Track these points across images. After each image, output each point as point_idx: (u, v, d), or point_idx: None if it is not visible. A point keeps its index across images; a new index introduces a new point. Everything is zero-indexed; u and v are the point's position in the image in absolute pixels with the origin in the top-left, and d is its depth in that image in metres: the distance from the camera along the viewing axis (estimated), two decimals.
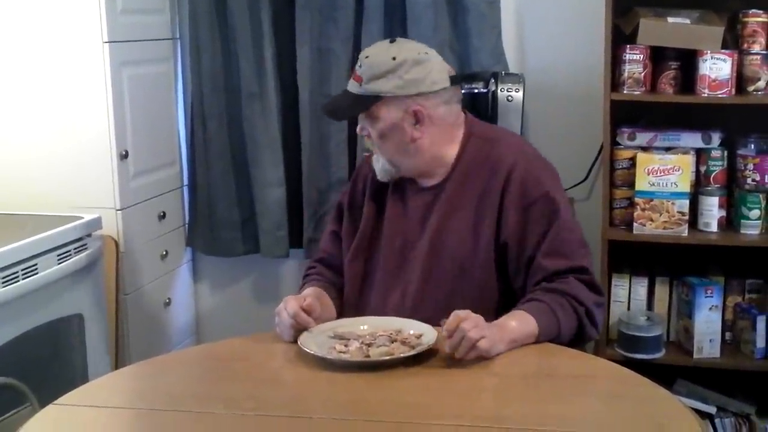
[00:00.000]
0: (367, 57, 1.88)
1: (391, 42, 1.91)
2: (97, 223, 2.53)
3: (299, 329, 1.77)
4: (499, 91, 2.68)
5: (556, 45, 2.91)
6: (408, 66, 1.85)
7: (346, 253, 2.02)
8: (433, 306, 1.87)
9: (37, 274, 2.27)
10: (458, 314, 1.66)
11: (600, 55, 2.60)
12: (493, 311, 1.84)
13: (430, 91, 1.87)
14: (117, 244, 2.66)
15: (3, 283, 2.16)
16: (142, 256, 2.77)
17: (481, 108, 2.67)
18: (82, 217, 2.49)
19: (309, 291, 1.93)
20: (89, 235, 2.51)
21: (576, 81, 2.88)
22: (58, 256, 2.36)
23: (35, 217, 2.53)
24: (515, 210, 1.88)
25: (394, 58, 1.85)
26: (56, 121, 2.67)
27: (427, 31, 2.86)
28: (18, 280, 2.21)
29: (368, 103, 1.87)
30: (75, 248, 2.43)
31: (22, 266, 2.23)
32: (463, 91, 2.64)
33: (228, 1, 2.95)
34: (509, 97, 2.68)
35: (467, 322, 1.65)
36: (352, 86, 1.89)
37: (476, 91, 2.68)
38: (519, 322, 1.76)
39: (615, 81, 2.63)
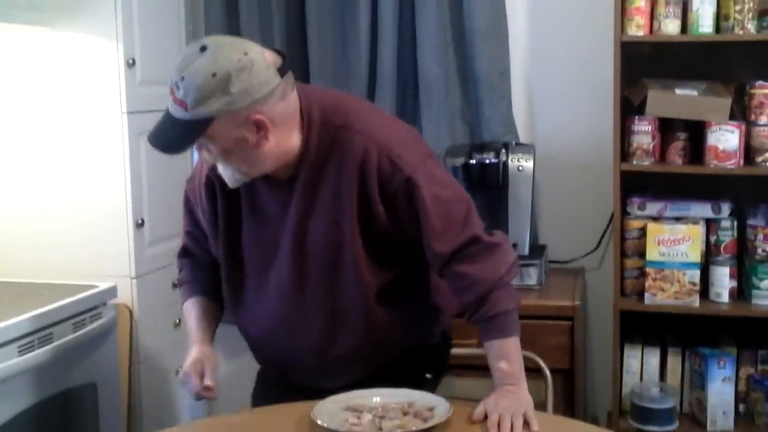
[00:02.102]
0: (183, 78, 1.64)
1: (202, 50, 1.65)
2: (112, 291, 2.55)
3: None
4: (509, 161, 2.72)
5: (566, 115, 2.96)
6: (232, 78, 1.63)
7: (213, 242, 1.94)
8: (306, 307, 1.85)
9: (52, 343, 2.28)
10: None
11: (609, 125, 2.64)
12: (373, 301, 1.83)
13: (263, 96, 1.67)
14: (131, 313, 2.67)
15: (19, 352, 2.18)
16: (155, 324, 2.79)
17: (492, 177, 2.72)
18: (98, 286, 2.51)
19: (195, 354, 1.93)
20: (104, 304, 2.53)
21: (585, 151, 2.93)
22: (74, 324, 2.38)
23: (51, 286, 2.54)
24: (380, 201, 1.77)
25: (214, 75, 1.63)
26: (74, 189, 2.71)
27: (438, 100, 2.92)
28: (34, 349, 2.22)
29: (201, 128, 1.66)
30: (90, 317, 2.45)
31: (38, 335, 2.25)
32: (473, 161, 2.73)
33: None
34: (520, 167, 2.72)
35: (501, 417, 1.69)
36: (177, 111, 1.65)
37: (487, 161, 2.72)
38: (504, 359, 1.78)
39: (624, 151, 2.67)
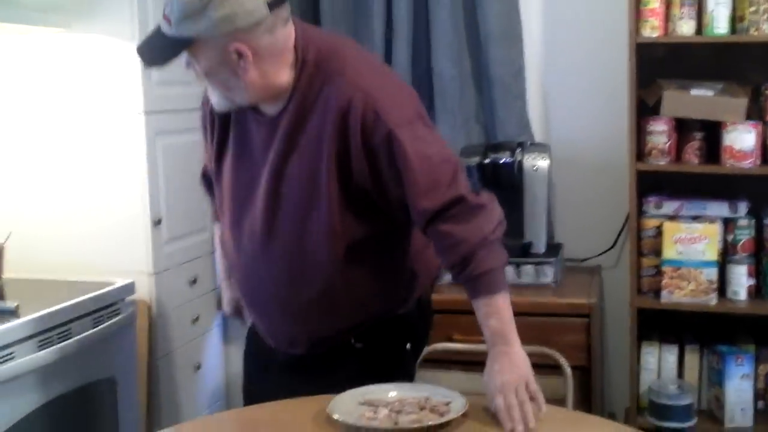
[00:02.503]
0: None
1: None
2: (130, 288, 2.57)
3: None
4: (524, 161, 2.73)
5: (581, 115, 2.97)
6: (217, 2, 1.64)
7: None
8: (273, 252, 1.83)
9: (71, 338, 2.30)
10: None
11: (624, 125, 2.65)
12: (341, 254, 1.80)
13: (246, 25, 1.66)
14: (150, 309, 2.69)
15: (39, 346, 2.20)
16: (173, 320, 2.81)
17: (507, 177, 2.73)
18: (116, 282, 2.53)
19: (229, 294, 2.13)
20: (123, 300, 2.55)
21: (601, 151, 2.93)
22: (93, 320, 2.40)
23: (70, 283, 2.57)
24: (361, 153, 1.73)
25: None
26: (93, 188, 2.74)
27: (453, 102, 2.93)
28: (53, 344, 2.24)
29: (180, 47, 1.69)
30: (109, 313, 2.47)
31: (57, 331, 2.27)
32: (488, 161, 2.74)
33: None
34: (535, 167, 2.73)
35: (505, 398, 1.67)
36: (164, 26, 1.69)
37: (502, 161, 2.73)
38: (493, 316, 1.75)
39: (640, 151, 2.67)
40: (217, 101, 1.79)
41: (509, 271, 2.67)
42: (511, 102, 2.91)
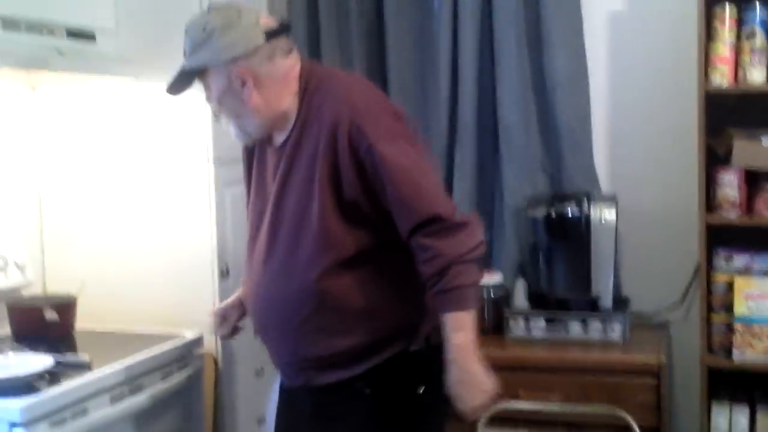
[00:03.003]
0: (186, 31, 1.93)
1: (209, 11, 1.95)
2: (199, 341, 2.60)
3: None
4: (592, 212, 2.70)
5: (649, 165, 2.93)
6: (218, 33, 1.88)
7: None
8: (272, 272, 1.96)
9: (142, 392, 2.33)
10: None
11: (693, 175, 2.60)
12: (333, 265, 1.88)
13: (246, 53, 1.88)
14: (216, 361, 2.71)
15: (111, 401, 2.23)
16: (238, 373, 2.82)
17: (573, 229, 2.70)
18: (185, 336, 2.56)
19: (229, 300, 2.25)
20: (191, 353, 2.57)
21: (669, 202, 2.89)
22: (163, 374, 2.42)
23: (140, 335, 2.59)
24: (350, 168, 1.86)
25: (204, 29, 1.89)
26: (161, 238, 2.77)
27: (518, 150, 2.92)
28: (125, 399, 2.27)
29: (192, 75, 1.94)
30: (178, 366, 2.49)
31: (130, 385, 2.29)
32: (555, 213, 2.72)
33: None
34: (602, 219, 2.70)
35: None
36: (184, 62, 1.94)
37: (569, 213, 2.71)
38: (459, 331, 1.85)
39: (710, 202, 2.63)
40: (235, 133, 1.99)
41: (576, 326, 2.64)
42: (577, 151, 2.89)
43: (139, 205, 2.81)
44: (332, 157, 1.86)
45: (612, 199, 2.76)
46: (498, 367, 2.53)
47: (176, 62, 2.55)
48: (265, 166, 2.03)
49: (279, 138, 1.96)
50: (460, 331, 1.85)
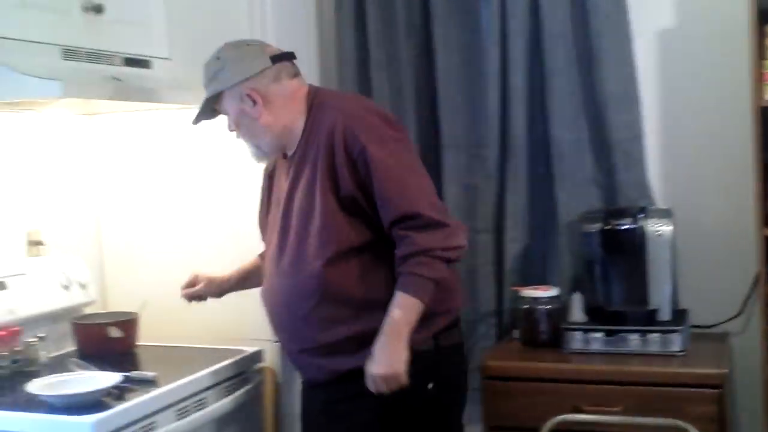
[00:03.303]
0: (204, 66, 2.20)
1: (222, 46, 2.21)
2: (259, 356, 2.63)
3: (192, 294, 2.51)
4: (647, 226, 2.70)
5: (703, 179, 2.91)
6: (230, 59, 2.16)
7: None
8: (288, 257, 2.17)
9: (206, 407, 2.36)
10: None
11: (749, 189, 2.60)
12: (336, 255, 2.10)
13: (254, 74, 2.14)
14: (275, 375, 2.74)
15: (177, 416, 2.26)
16: (295, 386, 2.84)
17: (630, 243, 2.70)
18: (246, 351, 2.59)
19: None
20: (252, 368, 2.60)
21: (726, 214, 2.87)
22: (225, 389, 2.46)
23: (202, 350, 2.65)
24: (345, 167, 2.08)
25: (218, 58, 2.18)
26: (217, 256, 2.78)
27: (571, 167, 2.93)
28: (189, 414, 2.30)
29: (212, 102, 2.20)
30: (239, 381, 2.52)
31: (194, 399, 2.33)
32: (610, 227, 2.72)
33: None
34: (658, 233, 2.70)
35: (376, 387, 2.06)
36: (205, 93, 2.22)
37: (624, 227, 2.71)
38: (400, 309, 2.05)
39: (766, 216, 2.61)
40: (252, 152, 2.24)
41: (635, 339, 2.64)
42: (630, 167, 2.89)
43: (195, 225, 2.87)
44: (330, 158, 2.09)
45: (667, 213, 2.75)
46: (557, 379, 2.58)
47: None
48: (279, 182, 2.27)
49: (290, 153, 2.21)
50: (402, 310, 2.05)
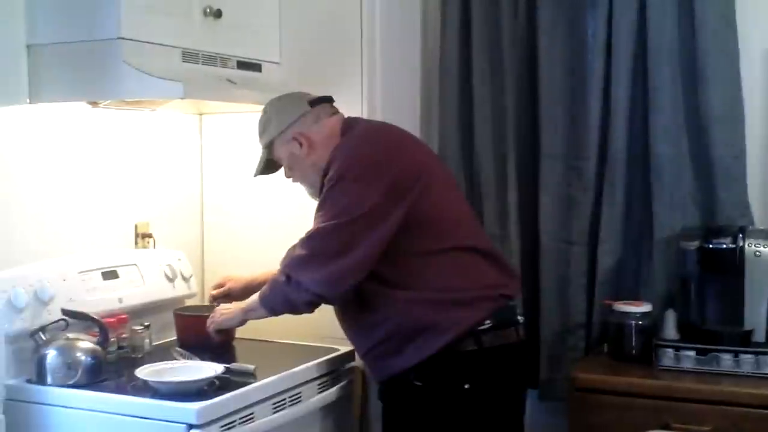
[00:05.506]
0: (258, 121, 2.46)
1: (268, 103, 2.45)
2: (351, 355, 2.69)
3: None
4: (746, 246, 2.67)
5: None
6: (275, 111, 2.42)
7: None
8: None
9: (300, 402, 2.43)
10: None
11: None
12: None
13: (295, 119, 2.37)
14: (363, 374, 2.79)
15: (273, 409, 2.34)
16: None
17: (727, 262, 2.68)
18: (339, 349, 2.65)
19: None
20: (344, 367, 2.66)
21: None
22: (319, 385, 2.53)
23: (294, 346, 2.72)
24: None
25: (265, 112, 2.44)
26: None
27: (670, 183, 2.91)
28: (285, 407, 2.38)
29: (268, 152, 2.44)
30: (332, 379, 2.59)
31: (290, 393, 2.40)
32: (709, 246, 2.70)
33: (474, 156, 3.16)
34: (757, 253, 2.67)
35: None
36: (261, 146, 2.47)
37: (723, 245, 2.68)
38: (258, 297, 2.40)
39: None
40: (308, 191, 2.45)
41: (728, 359, 2.61)
42: (731, 186, 2.86)
43: (293, 223, 2.90)
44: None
45: (767, 234, 2.72)
46: (647, 395, 2.57)
47: (332, 92, 2.71)
48: None
49: None
50: (255, 300, 2.40)
